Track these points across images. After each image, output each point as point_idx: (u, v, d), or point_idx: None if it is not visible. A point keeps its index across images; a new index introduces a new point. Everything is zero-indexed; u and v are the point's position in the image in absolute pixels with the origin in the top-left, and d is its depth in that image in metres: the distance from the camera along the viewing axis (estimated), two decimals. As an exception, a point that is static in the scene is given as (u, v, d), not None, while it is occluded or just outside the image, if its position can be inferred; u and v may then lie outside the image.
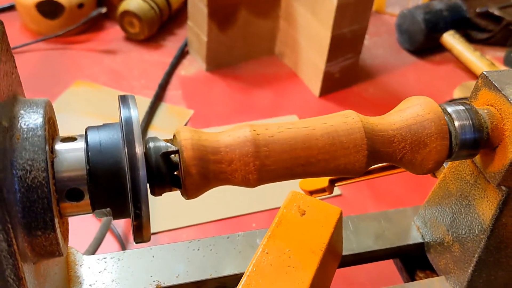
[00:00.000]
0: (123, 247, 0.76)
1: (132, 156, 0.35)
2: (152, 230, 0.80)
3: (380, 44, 1.27)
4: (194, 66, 1.13)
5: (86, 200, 0.37)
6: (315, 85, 1.08)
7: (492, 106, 0.46)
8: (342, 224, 0.55)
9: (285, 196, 0.55)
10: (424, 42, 1.21)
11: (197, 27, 1.08)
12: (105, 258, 0.55)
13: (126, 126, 0.36)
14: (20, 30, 1.16)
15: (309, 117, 0.42)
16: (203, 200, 0.67)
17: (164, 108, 1.02)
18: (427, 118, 0.42)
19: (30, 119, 0.36)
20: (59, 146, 0.37)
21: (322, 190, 0.68)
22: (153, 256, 0.56)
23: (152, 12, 1.13)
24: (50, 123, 0.38)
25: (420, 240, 0.60)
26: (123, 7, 1.13)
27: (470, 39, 1.26)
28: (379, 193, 0.91)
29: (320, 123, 0.42)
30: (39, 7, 1.11)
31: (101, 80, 1.06)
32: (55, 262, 0.46)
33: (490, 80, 0.46)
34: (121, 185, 0.36)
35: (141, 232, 0.37)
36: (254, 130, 0.40)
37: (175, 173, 0.39)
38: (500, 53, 1.27)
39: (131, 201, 0.35)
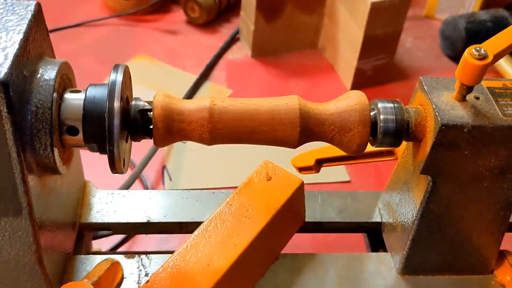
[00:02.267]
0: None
1: (110, 108, 0.48)
2: (177, 187, 0.94)
3: (422, 47, 1.32)
4: (241, 52, 1.25)
5: (80, 136, 0.50)
6: (348, 80, 1.17)
7: (421, 106, 0.54)
8: (303, 193, 0.65)
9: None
10: (464, 50, 1.24)
11: (247, 17, 1.20)
12: (113, 193, 0.69)
13: (111, 86, 0.49)
14: (99, 6, 1.35)
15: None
16: (223, 168, 0.83)
17: (207, 86, 1.15)
18: (354, 109, 0.52)
19: (47, 73, 0.50)
20: (67, 95, 0.51)
21: (309, 168, 0.78)
22: (150, 198, 0.69)
23: (211, 0, 1.27)
24: (63, 78, 0.52)
25: (379, 220, 0.69)
26: (187, -7, 1.27)
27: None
28: (386, 181, 0.99)
29: (267, 102, 0.52)
30: (118, -13, 1.29)
31: (159, 56, 1.22)
32: (67, 186, 0.61)
33: (422, 84, 0.54)
34: (103, 128, 0.49)
35: (113, 165, 0.50)
36: (212, 101, 0.52)
37: (151, 126, 0.52)
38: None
39: (107, 140, 0.49)
